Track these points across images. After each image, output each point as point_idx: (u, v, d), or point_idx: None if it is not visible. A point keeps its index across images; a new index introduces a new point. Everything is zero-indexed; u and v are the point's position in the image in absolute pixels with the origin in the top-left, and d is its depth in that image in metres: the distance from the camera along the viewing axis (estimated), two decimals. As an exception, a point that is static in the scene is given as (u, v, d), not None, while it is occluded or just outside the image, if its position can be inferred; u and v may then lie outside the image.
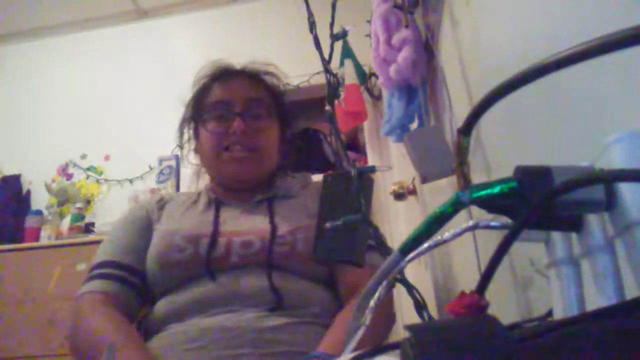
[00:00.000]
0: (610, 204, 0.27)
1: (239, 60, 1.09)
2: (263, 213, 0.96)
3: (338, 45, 1.25)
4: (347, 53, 2.50)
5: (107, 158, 3.23)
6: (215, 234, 0.90)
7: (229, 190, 1.03)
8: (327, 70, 0.68)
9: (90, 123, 3.30)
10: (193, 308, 0.83)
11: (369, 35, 1.19)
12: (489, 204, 0.29)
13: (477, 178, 0.69)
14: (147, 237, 0.95)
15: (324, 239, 0.54)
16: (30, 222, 2.92)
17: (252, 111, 1.00)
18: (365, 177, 0.56)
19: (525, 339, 0.23)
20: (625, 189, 0.26)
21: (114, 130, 3.24)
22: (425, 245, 0.30)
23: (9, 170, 3.22)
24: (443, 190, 1.01)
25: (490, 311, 0.26)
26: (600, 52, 0.24)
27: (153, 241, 0.93)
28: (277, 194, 1.01)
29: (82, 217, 2.95)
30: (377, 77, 1.63)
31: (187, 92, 1.10)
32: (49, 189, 3.14)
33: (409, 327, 0.22)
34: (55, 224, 2.90)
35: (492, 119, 0.49)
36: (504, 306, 0.65)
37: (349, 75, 2.45)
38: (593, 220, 0.29)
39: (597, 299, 0.27)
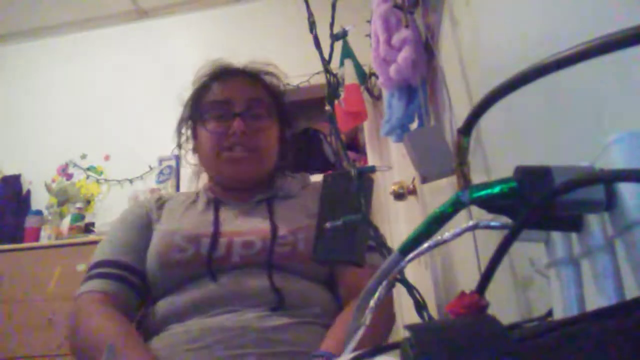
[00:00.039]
0: (610, 204, 0.27)
1: (239, 60, 1.09)
2: (263, 213, 0.96)
3: (338, 45, 1.25)
4: (347, 53, 2.51)
5: (107, 158, 3.23)
6: (216, 234, 0.90)
7: (228, 190, 1.02)
8: (327, 70, 0.68)
9: (90, 123, 3.30)
10: (194, 308, 0.83)
11: (369, 35, 1.19)
12: (489, 204, 0.29)
13: (477, 178, 0.69)
14: (146, 237, 0.94)
15: (324, 239, 0.54)
16: (30, 222, 2.92)
17: (252, 111, 1.00)
18: (365, 177, 0.56)
19: (525, 339, 0.23)
20: (625, 189, 0.26)
21: (114, 130, 3.24)
22: (425, 245, 0.30)
23: (9, 170, 3.22)
24: (443, 190, 1.01)
25: (490, 311, 0.26)
26: (600, 52, 0.24)
27: (153, 241, 0.92)
28: (276, 194, 1.01)
29: (82, 217, 2.96)
30: (377, 77, 1.63)
31: (187, 92, 1.09)
32: (49, 189, 3.14)
33: (409, 327, 0.22)
34: (55, 224, 2.91)
35: (492, 119, 0.49)
36: (504, 306, 0.65)
37: (349, 75, 2.45)
38: (593, 220, 0.29)
39: (597, 299, 0.27)
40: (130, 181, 3.13)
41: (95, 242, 2.45)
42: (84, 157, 3.26)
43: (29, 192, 3.19)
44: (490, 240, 0.69)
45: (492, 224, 0.31)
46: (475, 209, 0.47)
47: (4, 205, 3.04)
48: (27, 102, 3.45)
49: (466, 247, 0.84)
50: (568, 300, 0.29)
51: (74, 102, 3.38)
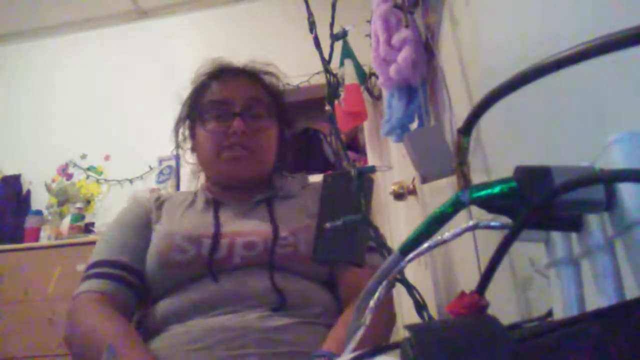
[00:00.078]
0: (610, 204, 0.27)
1: (238, 60, 1.09)
2: (263, 214, 0.96)
3: (338, 45, 1.25)
4: (347, 53, 2.51)
5: (107, 158, 3.23)
6: (217, 235, 0.89)
7: (226, 189, 1.02)
8: (327, 70, 0.68)
9: (90, 123, 3.30)
10: (195, 309, 0.83)
11: (369, 35, 1.19)
12: (489, 204, 0.29)
13: (477, 178, 0.69)
14: (145, 237, 0.94)
15: (324, 239, 0.54)
16: (30, 222, 2.92)
17: (251, 111, 1.00)
18: (365, 177, 0.56)
19: (525, 339, 0.23)
20: (625, 189, 0.26)
21: (114, 130, 3.24)
22: (425, 245, 0.30)
23: (9, 170, 3.22)
24: (443, 190, 1.01)
25: (490, 311, 0.26)
26: (600, 52, 0.24)
27: (153, 242, 0.92)
28: (276, 195, 1.01)
29: (82, 217, 2.96)
30: (377, 77, 1.63)
31: (185, 91, 1.09)
32: (49, 189, 3.14)
33: (409, 327, 0.22)
34: (55, 224, 2.91)
35: (492, 119, 0.49)
36: (504, 306, 0.65)
37: (349, 75, 2.46)
38: (593, 220, 0.29)
39: (597, 299, 0.27)
40: (130, 181, 3.13)
41: (95, 243, 2.45)
42: (84, 157, 3.26)
43: (29, 192, 3.19)
44: (490, 240, 0.69)
45: (492, 224, 0.31)
46: (475, 209, 0.47)
47: (4, 205, 3.05)
48: (27, 102, 3.45)
49: (466, 247, 0.84)
50: (568, 300, 0.29)
51: (74, 102, 3.38)
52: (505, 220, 0.31)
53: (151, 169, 3.11)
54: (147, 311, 0.90)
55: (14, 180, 3.17)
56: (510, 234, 0.28)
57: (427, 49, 1.03)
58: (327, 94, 0.67)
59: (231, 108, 0.99)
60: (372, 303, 0.33)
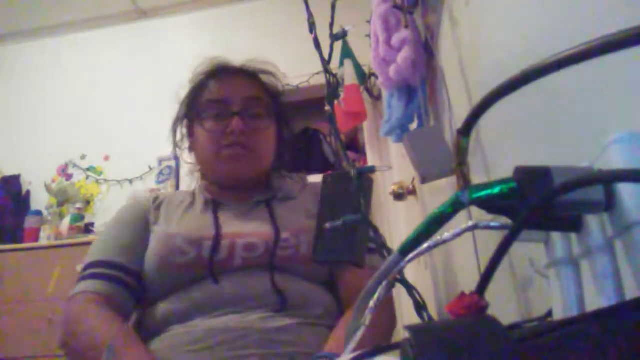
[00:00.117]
0: (609, 204, 0.27)
1: (237, 59, 1.09)
2: (263, 215, 0.96)
3: (338, 45, 1.25)
4: (347, 53, 2.51)
5: (106, 158, 3.23)
6: (217, 237, 0.89)
7: (225, 189, 1.02)
8: (327, 71, 0.68)
9: (90, 123, 3.30)
10: (196, 310, 0.83)
11: (368, 36, 1.19)
12: (489, 205, 0.29)
13: (477, 178, 0.69)
14: (143, 237, 0.93)
15: (324, 239, 0.54)
16: (30, 222, 2.92)
17: (250, 110, 1.00)
18: (365, 177, 0.56)
19: (525, 339, 0.23)
20: (625, 190, 0.26)
21: (114, 130, 3.24)
22: (425, 245, 0.30)
23: (9, 171, 3.22)
24: (443, 190, 1.01)
25: (490, 311, 0.26)
26: (600, 52, 0.24)
27: (152, 244, 0.91)
28: (275, 195, 1.01)
29: (82, 218, 2.96)
30: (376, 77, 1.63)
31: (184, 90, 1.09)
32: (48, 189, 3.14)
33: (409, 328, 0.22)
34: (55, 225, 2.91)
35: (492, 119, 0.49)
36: (504, 306, 0.65)
37: (348, 75, 2.46)
38: (592, 221, 0.29)
39: (597, 299, 0.27)
40: (130, 181, 3.13)
41: (95, 243, 2.45)
42: (83, 157, 3.26)
43: (28, 192, 3.19)
44: (490, 241, 0.68)
45: (492, 224, 0.31)
46: (475, 210, 0.47)
47: (3, 205, 3.05)
48: (27, 103, 3.45)
49: (466, 248, 0.84)
50: (568, 301, 0.29)
51: (74, 102, 3.38)
52: (505, 220, 0.31)
53: (151, 169, 3.11)
54: (146, 312, 0.90)
55: (14, 181, 3.17)
56: (510, 234, 0.28)
57: (426, 49, 1.03)
58: (326, 94, 0.67)
59: (229, 107, 0.99)
60: (371, 303, 0.33)
